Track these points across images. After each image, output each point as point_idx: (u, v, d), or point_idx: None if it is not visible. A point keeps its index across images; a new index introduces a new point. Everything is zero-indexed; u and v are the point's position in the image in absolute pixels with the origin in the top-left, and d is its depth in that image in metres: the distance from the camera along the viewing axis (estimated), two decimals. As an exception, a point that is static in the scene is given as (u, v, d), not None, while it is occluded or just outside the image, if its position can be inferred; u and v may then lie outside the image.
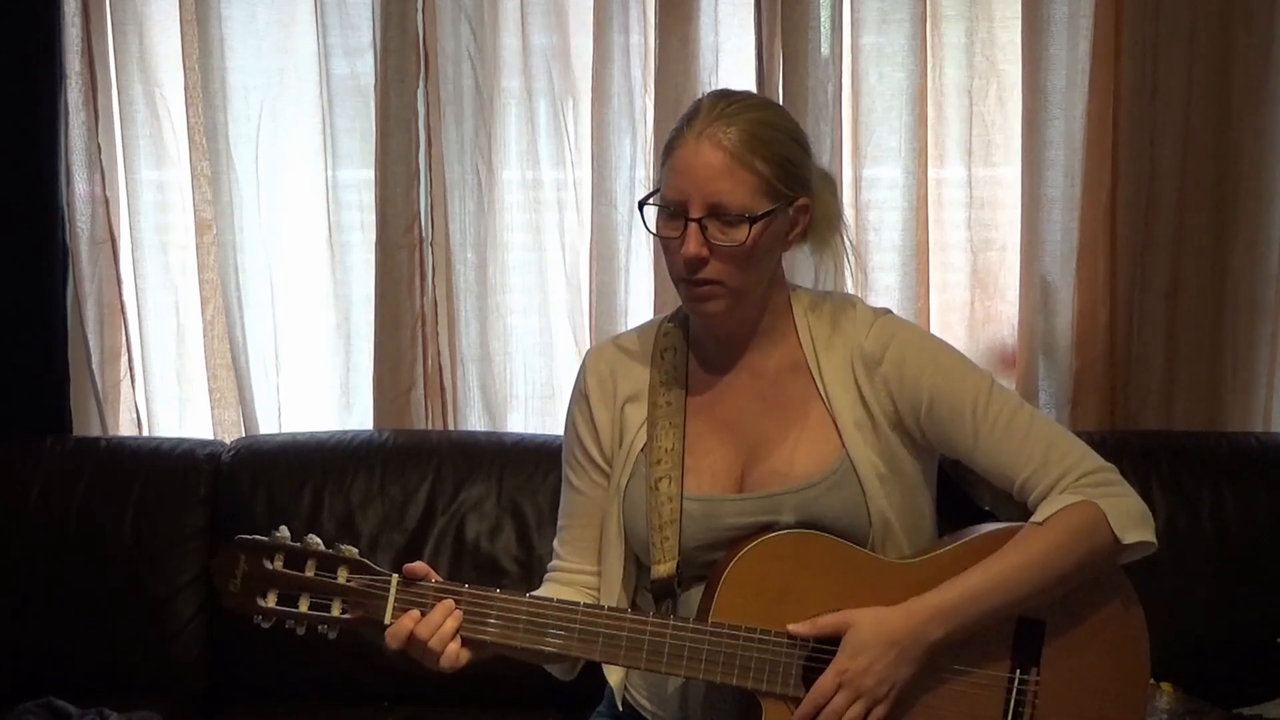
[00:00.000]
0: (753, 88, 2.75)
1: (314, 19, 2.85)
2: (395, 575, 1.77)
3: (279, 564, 1.76)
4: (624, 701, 2.00)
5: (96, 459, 2.77)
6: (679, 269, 1.85)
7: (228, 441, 2.87)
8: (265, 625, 1.77)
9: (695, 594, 1.87)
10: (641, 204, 1.90)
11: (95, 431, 2.96)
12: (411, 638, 1.77)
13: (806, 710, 1.77)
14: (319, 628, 1.77)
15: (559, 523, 2.05)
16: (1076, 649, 1.85)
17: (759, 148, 1.81)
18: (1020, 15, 2.71)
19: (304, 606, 1.76)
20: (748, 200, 1.80)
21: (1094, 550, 1.83)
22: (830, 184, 1.98)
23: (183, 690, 2.64)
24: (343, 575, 1.76)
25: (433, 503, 2.66)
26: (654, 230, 1.88)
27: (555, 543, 2.05)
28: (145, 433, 2.99)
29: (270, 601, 1.76)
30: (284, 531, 1.77)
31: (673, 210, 1.83)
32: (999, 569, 1.82)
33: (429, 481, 2.67)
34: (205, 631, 2.67)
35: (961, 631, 1.80)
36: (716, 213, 1.80)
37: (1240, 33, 2.64)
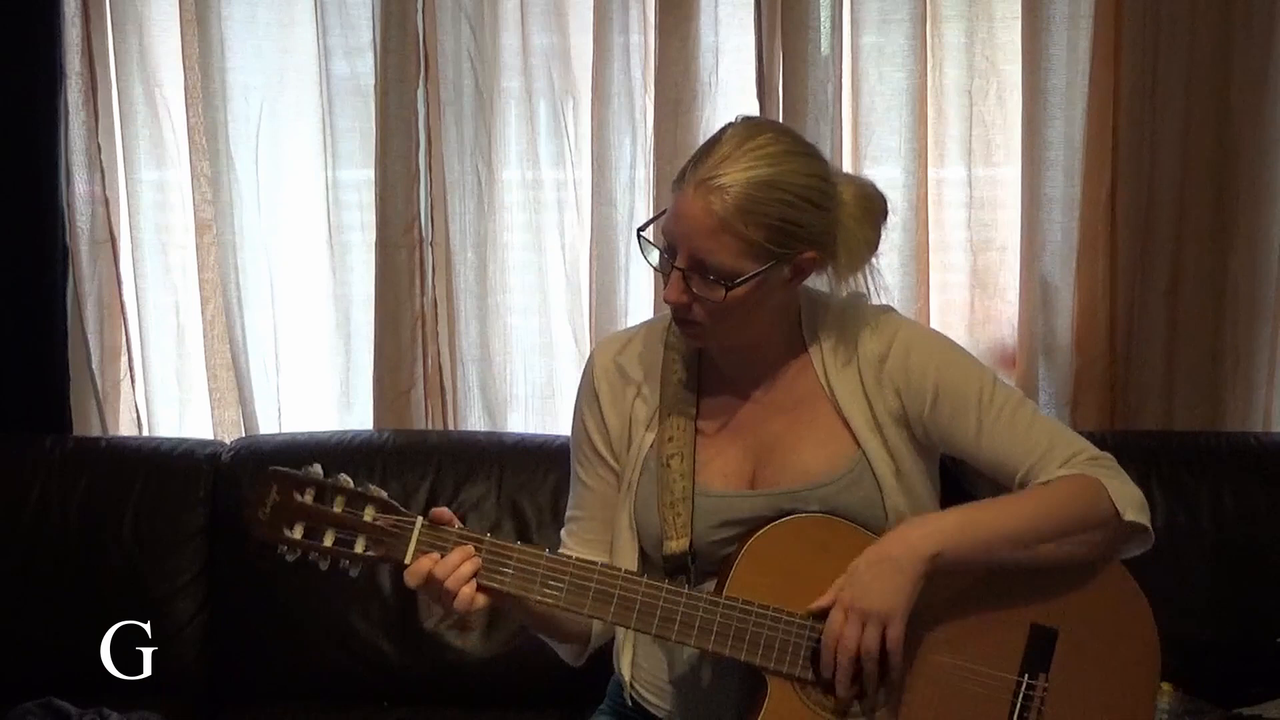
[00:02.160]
0: (753, 88, 2.76)
1: (314, 19, 2.85)
2: (420, 517, 1.79)
3: (309, 498, 1.77)
4: (630, 697, 2.00)
5: (96, 459, 2.76)
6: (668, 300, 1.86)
7: (228, 441, 2.87)
8: (290, 557, 1.78)
9: (708, 586, 1.86)
10: (639, 232, 1.90)
11: (95, 431, 2.96)
12: (429, 577, 1.77)
13: (827, 656, 1.76)
14: (341, 563, 1.78)
15: (568, 513, 2.06)
16: (1088, 658, 1.85)
17: (753, 212, 1.76)
18: (1020, 15, 2.72)
19: (329, 541, 1.77)
20: (731, 263, 1.78)
21: (1094, 515, 1.84)
22: (865, 221, 1.88)
23: (183, 690, 2.64)
24: (369, 513, 1.78)
25: (433, 503, 2.62)
26: (647, 258, 1.89)
27: (563, 532, 2.05)
28: (145, 433, 2.99)
29: (297, 533, 1.77)
30: (317, 468, 1.79)
31: (666, 246, 1.84)
32: (999, 505, 1.85)
33: (429, 481, 2.67)
34: (205, 631, 2.67)
35: (957, 557, 1.80)
36: (698, 268, 1.80)
37: (1240, 33, 2.65)
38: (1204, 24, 2.64)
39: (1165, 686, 2.28)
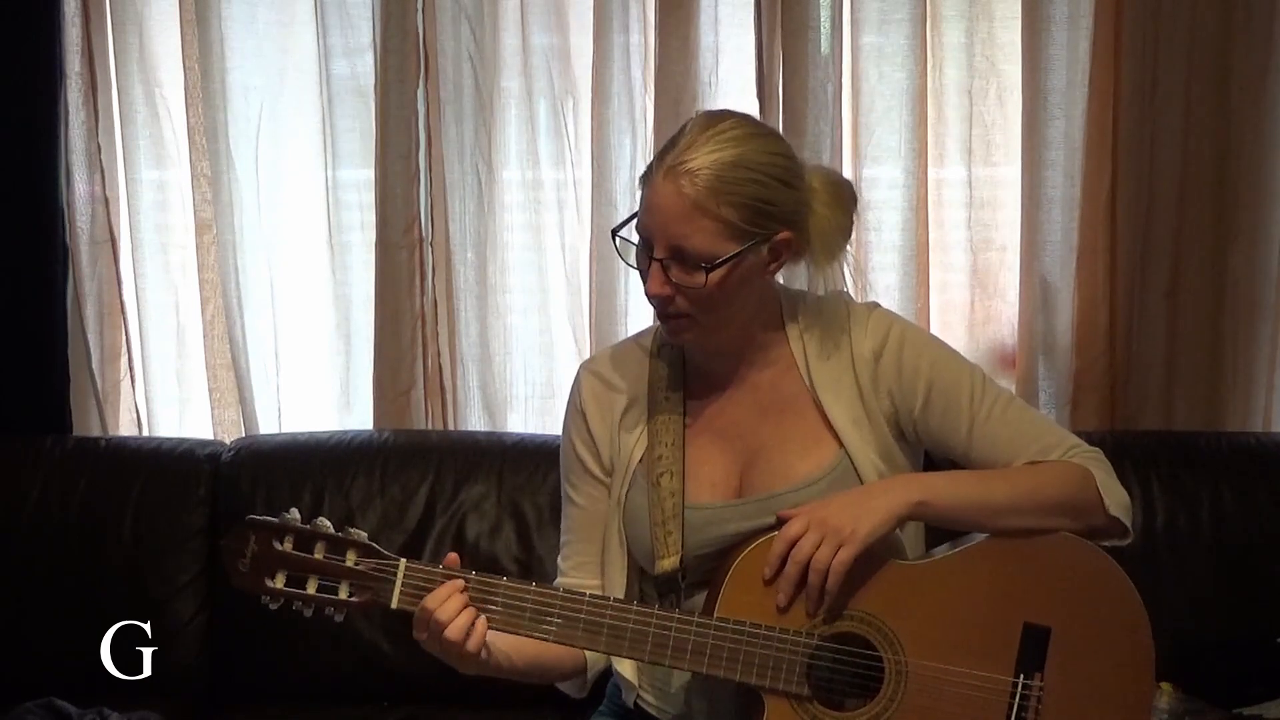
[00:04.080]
0: (753, 88, 2.76)
1: (314, 19, 2.84)
2: (403, 560, 1.77)
3: (288, 545, 1.76)
4: (634, 701, 1.99)
5: (96, 459, 2.77)
6: (649, 299, 1.86)
7: (228, 441, 2.87)
8: (273, 606, 1.77)
9: (699, 600, 1.87)
10: (614, 232, 1.90)
11: (95, 431, 2.96)
12: (432, 625, 1.74)
13: (779, 549, 1.77)
14: (325, 610, 1.77)
15: (562, 538, 2.05)
16: (1082, 656, 1.85)
17: (725, 192, 1.78)
18: (1020, 15, 2.71)
19: (312, 588, 1.76)
20: (708, 246, 1.79)
21: (1078, 498, 1.86)
22: (836, 206, 1.90)
23: (183, 690, 2.64)
24: (351, 558, 1.76)
25: (433, 503, 2.66)
26: (625, 259, 1.89)
27: (559, 558, 2.05)
28: (145, 433, 2.99)
29: (279, 583, 1.76)
30: (294, 513, 1.77)
31: (642, 243, 1.84)
32: (990, 475, 1.88)
33: (429, 481, 2.67)
34: (205, 631, 2.68)
35: (938, 511, 1.83)
36: (677, 256, 1.80)
37: (1240, 33, 2.64)
38: (1204, 24, 2.64)
39: (1165, 686, 2.28)
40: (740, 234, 1.80)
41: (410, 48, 2.79)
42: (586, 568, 2.00)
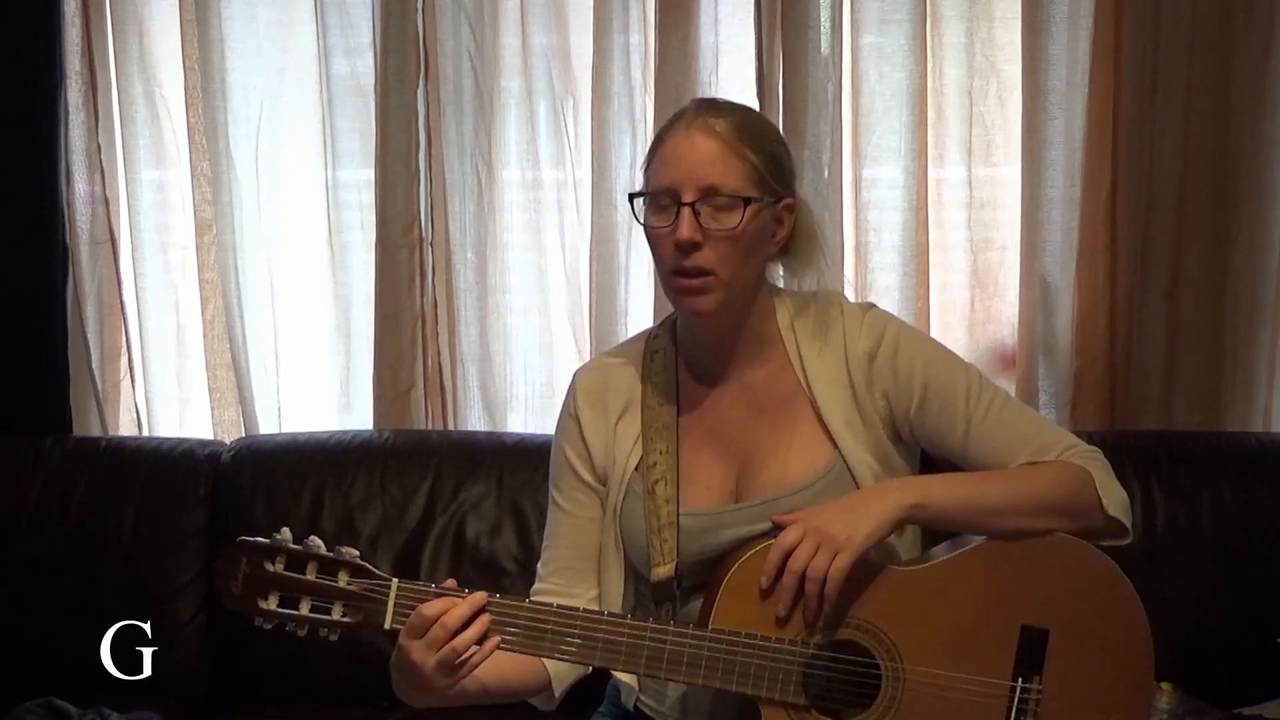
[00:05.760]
0: (753, 87, 2.76)
1: (314, 19, 2.85)
2: (395, 580, 1.77)
3: (280, 566, 1.75)
4: (634, 704, 1.99)
5: (96, 459, 2.77)
6: (669, 261, 1.83)
7: (228, 441, 2.87)
8: (267, 627, 1.77)
9: (695, 606, 1.86)
10: (633, 197, 1.90)
11: (95, 431, 2.97)
12: (433, 633, 1.73)
13: (774, 558, 1.76)
14: (320, 630, 1.76)
15: (544, 543, 2.04)
16: (1081, 658, 1.84)
17: (749, 138, 1.83)
18: (1020, 15, 2.72)
19: (305, 609, 1.75)
20: (740, 184, 1.81)
21: (1076, 498, 1.85)
22: (809, 210, 1.97)
23: (183, 690, 2.65)
24: (343, 579, 1.76)
25: (433, 503, 2.66)
26: (644, 221, 1.86)
27: (539, 564, 2.03)
28: (145, 433, 3.00)
29: (271, 604, 1.75)
30: (285, 533, 1.77)
31: (664, 201, 1.83)
32: (986, 476, 1.87)
33: (429, 481, 2.67)
34: (205, 631, 2.68)
35: (935, 513, 1.82)
36: (709, 196, 1.80)
37: (1240, 33, 2.65)
38: (1204, 24, 2.64)
39: (1165, 686, 2.28)
40: (763, 183, 1.83)
41: (410, 48, 2.79)
42: (567, 573, 1.98)
